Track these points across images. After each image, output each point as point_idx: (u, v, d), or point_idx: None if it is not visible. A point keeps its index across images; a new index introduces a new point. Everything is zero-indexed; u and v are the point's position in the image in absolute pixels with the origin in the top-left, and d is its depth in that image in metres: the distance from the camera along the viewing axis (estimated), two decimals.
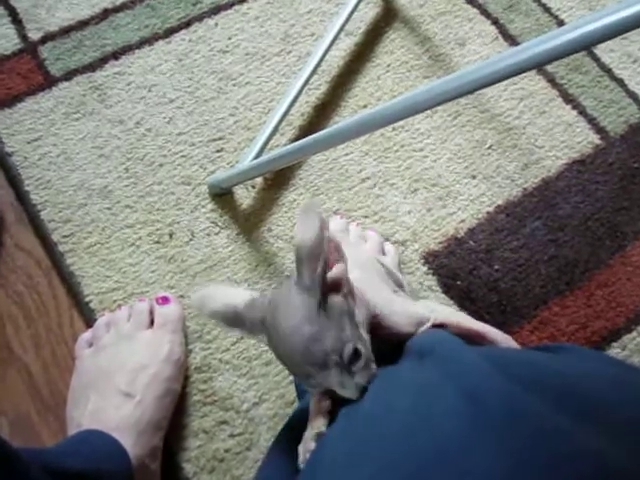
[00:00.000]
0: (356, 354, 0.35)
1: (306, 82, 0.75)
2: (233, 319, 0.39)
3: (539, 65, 0.41)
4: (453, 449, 0.26)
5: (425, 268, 0.69)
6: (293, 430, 0.46)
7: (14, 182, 0.73)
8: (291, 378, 0.64)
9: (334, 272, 0.36)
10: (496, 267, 0.69)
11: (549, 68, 0.82)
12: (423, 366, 0.34)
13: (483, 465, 0.24)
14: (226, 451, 0.61)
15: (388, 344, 0.40)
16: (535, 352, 0.40)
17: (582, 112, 0.79)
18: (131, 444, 0.53)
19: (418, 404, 0.29)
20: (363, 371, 0.35)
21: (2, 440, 0.38)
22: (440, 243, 0.71)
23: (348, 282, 0.38)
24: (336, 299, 0.36)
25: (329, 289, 0.36)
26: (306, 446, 0.36)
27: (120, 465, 0.51)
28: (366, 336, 0.37)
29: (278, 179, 0.74)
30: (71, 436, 0.54)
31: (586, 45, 0.38)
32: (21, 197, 0.72)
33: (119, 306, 0.66)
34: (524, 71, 0.41)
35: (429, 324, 0.41)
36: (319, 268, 0.35)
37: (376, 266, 0.57)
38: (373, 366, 0.36)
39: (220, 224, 0.71)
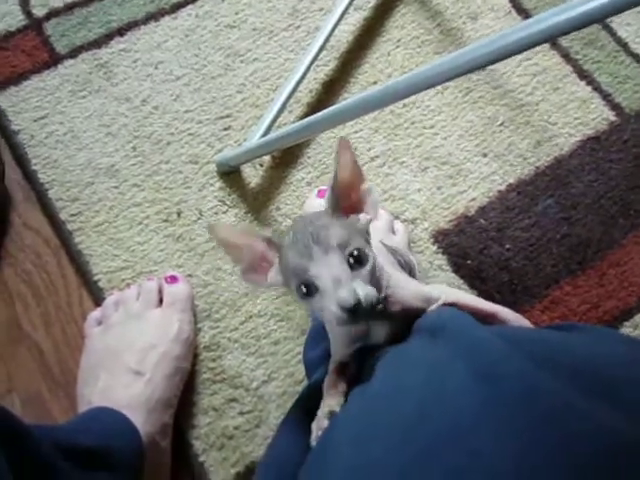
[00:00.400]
0: (361, 257, 0.35)
1: (314, 58, 0.73)
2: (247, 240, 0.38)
3: (552, 38, 0.40)
4: (463, 427, 0.25)
5: (435, 247, 0.69)
6: (303, 408, 0.46)
7: (21, 161, 0.73)
8: (299, 357, 0.64)
9: (361, 217, 0.37)
10: (507, 246, 0.69)
11: (564, 43, 0.80)
12: (435, 344, 0.33)
13: (493, 444, 0.24)
14: (235, 428, 0.61)
15: (397, 322, 0.40)
16: (548, 330, 0.39)
17: (597, 88, 0.78)
18: (142, 422, 0.53)
19: (429, 382, 0.29)
20: (365, 282, 0.34)
21: (14, 417, 0.38)
22: (450, 222, 0.70)
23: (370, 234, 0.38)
24: (355, 219, 0.37)
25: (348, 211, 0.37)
26: (319, 424, 0.36)
27: (131, 442, 0.51)
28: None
29: (286, 157, 0.73)
30: (82, 413, 0.54)
31: (600, 17, 0.36)
32: (28, 176, 0.72)
33: (128, 285, 0.66)
34: (537, 44, 0.40)
35: (439, 303, 0.41)
36: (333, 182, 0.36)
37: (383, 251, 0.57)
38: (375, 290, 0.34)
39: (228, 203, 0.71)
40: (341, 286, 0.33)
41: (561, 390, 0.26)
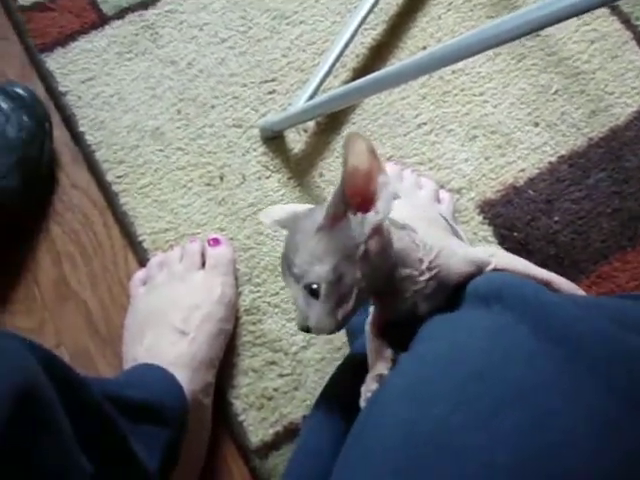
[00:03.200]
0: (314, 292, 0.35)
1: (362, 21, 0.71)
2: (291, 221, 0.40)
3: (612, 1, 0.38)
4: (534, 388, 0.25)
5: (480, 217, 0.67)
6: (347, 372, 0.46)
7: (69, 122, 0.74)
8: None
9: (369, 217, 0.35)
10: (556, 219, 0.67)
11: (625, 8, 0.75)
12: (490, 311, 0.32)
13: (568, 403, 0.23)
14: (275, 390, 0.62)
15: (446, 290, 0.39)
16: (613, 298, 0.38)
17: None
18: (186, 380, 0.54)
19: (490, 345, 0.28)
20: (319, 313, 0.36)
21: (69, 367, 0.39)
22: (497, 192, 0.68)
23: (382, 233, 0.36)
24: (343, 234, 0.35)
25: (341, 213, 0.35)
26: (368, 387, 0.36)
27: (177, 399, 0.52)
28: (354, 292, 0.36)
29: (331, 123, 0.72)
30: (129, 369, 0.55)
31: None
32: (76, 137, 0.73)
33: (171, 246, 0.67)
34: (595, 8, 0.39)
35: (490, 268, 0.40)
36: (340, 193, 0.34)
37: (434, 215, 0.56)
38: (332, 319, 0.36)
39: (271, 168, 0.71)
40: (297, 309, 0.36)
41: None
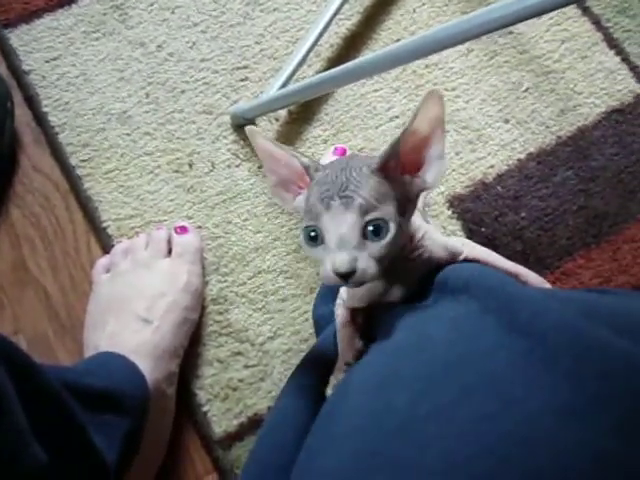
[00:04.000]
0: (379, 230, 0.32)
1: (337, 11, 0.71)
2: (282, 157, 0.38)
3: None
4: (497, 378, 0.25)
5: (449, 212, 0.68)
6: (313, 362, 0.46)
7: (31, 102, 0.71)
8: (306, 316, 0.64)
9: (416, 181, 0.35)
10: (523, 215, 0.68)
11: (595, 9, 0.77)
12: (457, 301, 0.32)
13: (530, 392, 0.23)
14: (240, 381, 0.61)
15: (420, 274, 0.39)
16: (580, 291, 0.39)
17: (625, 59, 0.75)
18: (149, 368, 0.53)
19: (458, 338, 0.28)
20: (371, 256, 0.32)
21: (25, 353, 0.38)
22: (467, 187, 0.69)
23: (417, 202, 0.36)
24: (408, 180, 0.34)
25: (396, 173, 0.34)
26: (336, 376, 0.36)
27: (138, 387, 0.51)
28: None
29: (303, 113, 0.71)
30: (90, 357, 0.54)
31: None
32: (38, 118, 0.71)
33: (136, 233, 0.66)
34: (566, 4, 0.39)
35: (461, 258, 0.40)
36: (396, 144, 0.33)
37: None
38: (378, 267, 0.32)
39: (241, 156, 0.69)
40: (345, 249, 0.32)
41: (607, 337, 0.25)
